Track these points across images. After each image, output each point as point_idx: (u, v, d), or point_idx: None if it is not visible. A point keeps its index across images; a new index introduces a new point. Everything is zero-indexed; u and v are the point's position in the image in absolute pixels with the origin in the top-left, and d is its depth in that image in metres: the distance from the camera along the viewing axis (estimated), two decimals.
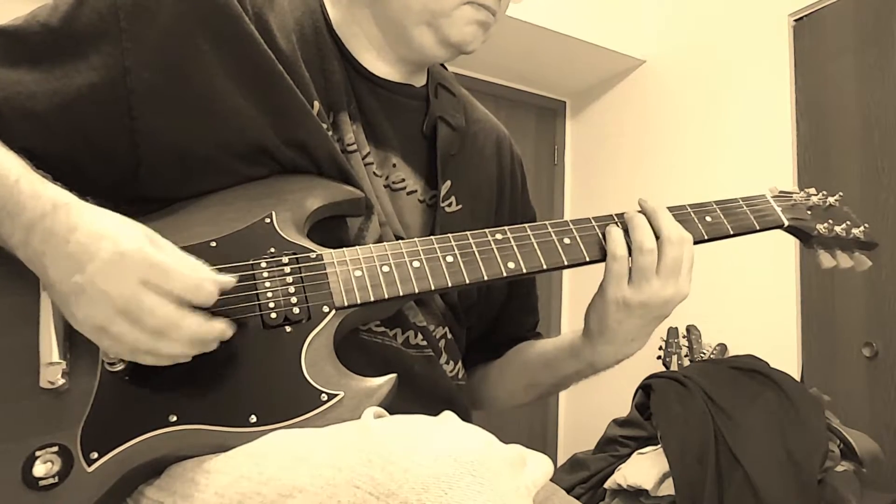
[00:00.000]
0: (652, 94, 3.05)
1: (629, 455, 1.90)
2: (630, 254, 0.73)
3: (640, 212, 0.76)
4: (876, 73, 2.20)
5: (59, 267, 0.54)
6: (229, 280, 0.59)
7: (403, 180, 0.81)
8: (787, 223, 0.83)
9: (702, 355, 2.38)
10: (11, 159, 0.59)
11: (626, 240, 0.74)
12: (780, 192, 0.88)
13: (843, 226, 0.86)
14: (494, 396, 0.95)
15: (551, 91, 3.45)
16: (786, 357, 2.24)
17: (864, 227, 0.88)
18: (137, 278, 0.53)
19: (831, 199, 0.89)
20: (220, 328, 0.57)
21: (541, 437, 3.21)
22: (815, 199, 0.88)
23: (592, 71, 3.21)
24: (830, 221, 0.86)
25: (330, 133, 0.73)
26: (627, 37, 3.04)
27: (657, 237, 0.73)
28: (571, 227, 0.75)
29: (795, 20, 2.46)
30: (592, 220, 0.76)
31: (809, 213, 0.86)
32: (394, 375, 0.62)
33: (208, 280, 0.57)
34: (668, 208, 0.77)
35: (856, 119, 2.24)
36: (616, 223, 0.75)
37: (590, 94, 3.40)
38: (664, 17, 3.01)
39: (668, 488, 1.72)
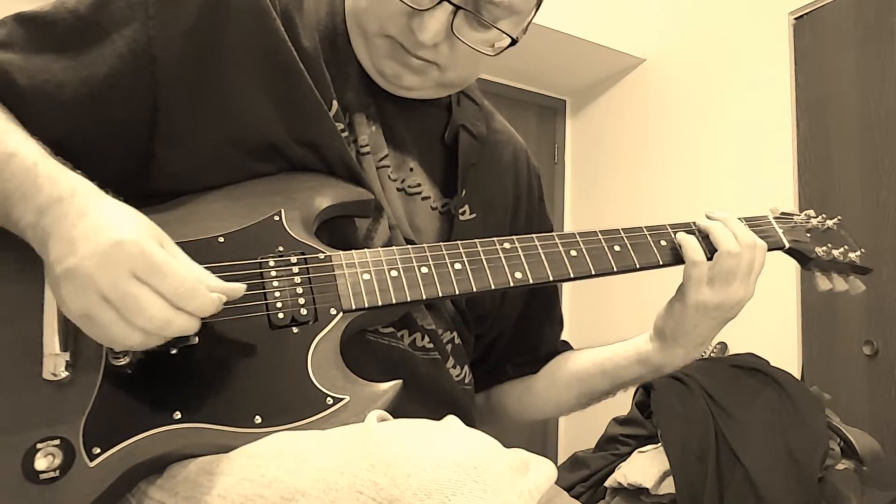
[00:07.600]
0: (652, 92, 3.05)
1: (629, 453, 1.89)
2: (711, 258, 0.76)
3: (711, 220, 0.80)
4: (876, 70, 2.20)
5: (57, 249, 0.53)
6: (237, 287, 0.58)
7: (419, 185, 0.81)
8: (787, 245, 0.85)
9: (702, 354, 2.38)
10: (31, 144, 0.59)
11: (701, 246, 0.77)
12: (782, 213, 0.89)
13: (841, 249, 0.88)
14: (540, 409, 0.95)
15: (551, 89, 3.45)
16: (786, 355, 2.24)
17: (861, 251, 0.89)
18: (128, 269, 0.52)
19: (830, 222, 0.90)
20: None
21: (541, 436, 3.21)
22: (814, 221, 0.89)
23: (593, 69, 3.21)
24: (829, 245, 0.87)
25: (346, 134, 0.73)
26: (628, 35, 3.04)
27: None
28: (578, 239, 0.75)
29: (796, 18, 2.46)
30: (599, 234, 0.77)
31: (809, 235, 0.87)
32: (399, 381, 0.62)
33: (209, 288, 0.55)
34: (673, 225, 0.80)
35: (856, 117, 2.23)
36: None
37: (590, 92, 3.39)
38: (664, 16, 3.01)
39: (668, 487, 1.72)
